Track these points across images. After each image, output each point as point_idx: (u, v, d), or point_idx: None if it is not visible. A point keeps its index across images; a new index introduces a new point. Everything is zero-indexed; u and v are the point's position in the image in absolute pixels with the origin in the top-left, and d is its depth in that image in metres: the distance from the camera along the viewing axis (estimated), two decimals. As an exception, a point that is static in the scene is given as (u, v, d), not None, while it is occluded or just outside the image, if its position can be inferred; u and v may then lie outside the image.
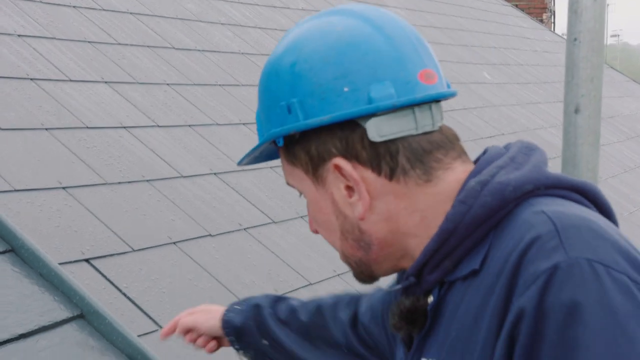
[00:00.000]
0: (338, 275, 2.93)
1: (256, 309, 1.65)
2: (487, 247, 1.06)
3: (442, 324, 1.10)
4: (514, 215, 1.07)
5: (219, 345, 1.70)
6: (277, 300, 1.66)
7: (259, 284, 2.76)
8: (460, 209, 1.07)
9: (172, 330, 1.74)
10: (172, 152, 3.22)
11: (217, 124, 3.65)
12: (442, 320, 1.10)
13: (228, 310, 1.69)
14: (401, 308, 1.13)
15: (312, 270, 2.96)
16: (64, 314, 2.08)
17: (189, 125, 3.50)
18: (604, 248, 1.00)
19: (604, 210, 1.11)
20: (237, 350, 1.69)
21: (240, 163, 1.26)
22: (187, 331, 1.72)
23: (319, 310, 1.62)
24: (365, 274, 1.18)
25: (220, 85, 4.03)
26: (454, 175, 1.11)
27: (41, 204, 2.52)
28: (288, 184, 1.20)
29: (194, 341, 1.71)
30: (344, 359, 1.59)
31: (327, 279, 2.92)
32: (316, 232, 1.21)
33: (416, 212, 1.11)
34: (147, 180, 2.96)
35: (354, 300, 1.57)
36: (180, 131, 3.42)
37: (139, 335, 2.14)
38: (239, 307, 1.69)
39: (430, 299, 1.12)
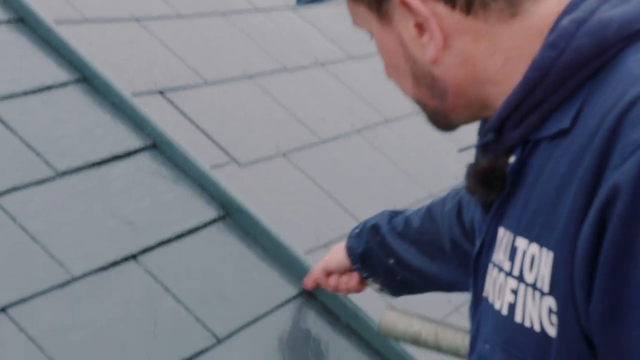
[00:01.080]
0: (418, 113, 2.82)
1: (374, 230, 1.62)
2: (580, 101, 0.90)
3: (523, 191, 0.96)
4: (617, 64, 0.88)
5: (363, 282, 1.74)
6: (393, 215, 1.62)
7: (336, 119, 2.69)
8: (549, 54, 0.90)
9: (314, 285, 1.85)
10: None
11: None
12: (523, 186, 0.96)
13: (349, 238, 1.69)
14: (477, 168, 1.00)
15: (391, 107, 2.86)
16: (137, 143, 2.06)
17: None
18: None
19: None
20: (366, 278, 1.70)
21: (299, 3, 1.11)
22: (326, 279, 1.78)
23: (429, 211, 1.57)
24: (442, 123, 1.06)
25: None
26: (546, 8, 0.93)
27: (112, 35, 2.46)
28: (355, 24, 1.05)
29: (337, 287, 1.77)
30: (457, 271, 1.54)
31: (406, 115, 2.83)
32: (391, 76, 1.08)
33: (498, 54, 0.94)
34: (221, 13, 2.87)
35: (461, 189, 1.48)
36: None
37: (211, 167, 2.12)
38: (357, 231, 1.68)
39: (512, 158, 0.97)
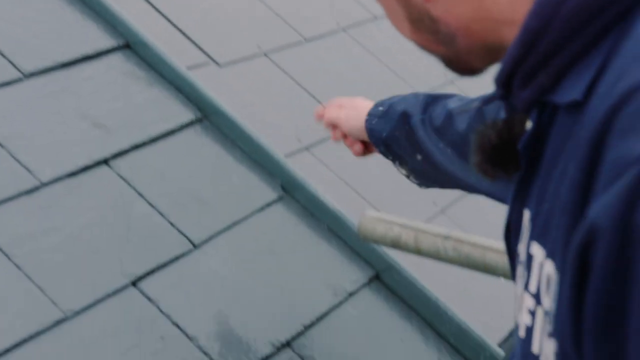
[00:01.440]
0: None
1: (403, 118, 1.34)
2: (601, 59, 0.67)
3: (543, 170, 0.74)
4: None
5: (367, 150, 1.49)
6: (430, 101, 1.32)
7: (320, 17, 2.59)
8: None
9: (319, 119, 1.56)
10: None
11: None
12: (543, 163, 0.74)
13: (371, 115, 1.40)
14: (483, 142, 0.79)
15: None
16: (109, 43, 1.97)
17: None
18: None
19: None
20: (392, 161, 1.42)
21: None
22: (334, 126, 1.51)
23: (480, 111, 1.25)
24: (462, 69, 0.84)
25: None
26: None
27: None
28: None
29: (339, 139, 1.51)
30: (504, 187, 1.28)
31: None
32: None
33: None
34: None
35: None
36: None
37: (188, 67, 2.03)
38: (382, 109, 1.39)
39: (528, 124, 0.76)
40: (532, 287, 0.74)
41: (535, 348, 0.75)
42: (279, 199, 1.91)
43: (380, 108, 1.41)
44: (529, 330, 0.76)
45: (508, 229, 0.83)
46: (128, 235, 1.65)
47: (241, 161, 1.93)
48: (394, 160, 1.43)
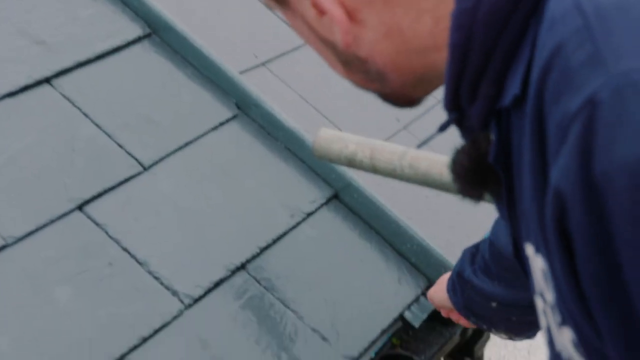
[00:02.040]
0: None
1: (460, 280, 1.40)
2: (527, 54, 0.68)
3: (514, 171, 0.74)
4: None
5: None
6: (475, 251, 1.38)
7: None
8: (465, 5, 0.69)
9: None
10: None
11: None
12: (513, 165, 0.73)
13: (449, 291, 1.45)
14: (458, 169, 0.79)
15: None
16: None
17: None
18: None
19: None
20: (489, 330, 1.45)
21: None
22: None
23: (490, 239, 1.33)
24: (400, 102, 0.85)
25: None
26: None
27: None
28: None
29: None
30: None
31: None
32: None
33: (424, 16, 0.74)
34: None
35: None
36: None
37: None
38: (451, 282, 1.45)
39: (492, 137, 0.75)
40: (537, 287, 0.74)
41: (558, 346, 0.74)
42: (233, 117, 1.84)
43: (451, 282, 1.45)
44: (549, 331, 0.75)
45: (516, 248, 0.83)
46: (73, 157, 1.58)
47: (193, 78, 1.85)
48: (489, 328, 1.45)
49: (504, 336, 1.45)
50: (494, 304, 1.35)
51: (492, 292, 1.34)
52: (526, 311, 1.34)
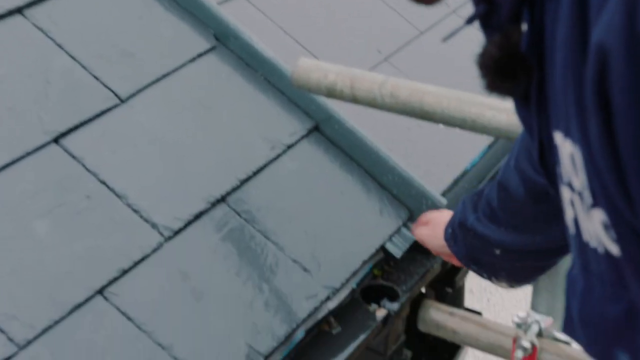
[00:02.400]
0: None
1: (463, 227, 1.37)
2: None
3: (547, 58, 0.72)
4: None
5: None
6: (476, 200, 1.36)
7: None
8: None
9: None
10: None
11: None
12: (546, 52, 0.72)
13: (448, 240, 1.43)
14: (487, 59, 0.77)
15: None
16: None
17: None
18: None
19: None
20: (489, 278, 1.43)
21: None
22: None
23: (500, 183, 1.30)
24: None
25: None
26: None
27: None
28: None
29: None
30: (545, 225, 1.26)
31: None
32: None
33: None
34: None
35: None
36: None
37: None
38: (450, 231, 1.43)
39: (524, 27, 0.74)
40: (565, 177, 0.74)
41: (586, 236, 0.74)
42: (212, 49, 1.81)
43: (450, 230, 1.43)
44: (576, 222, 0.75)
45: (541, 152, 0.82)
46: (47, 90, 1.55)
47: (170, 10, 1.81)
48: (489, 277, 1.43)
49: (504, 285, 1.44)
50: (497, 251, 1.34)
51: (497, 238, 1.33)
52: (531, 256, 1.34)
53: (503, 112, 1.38)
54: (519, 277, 1.40)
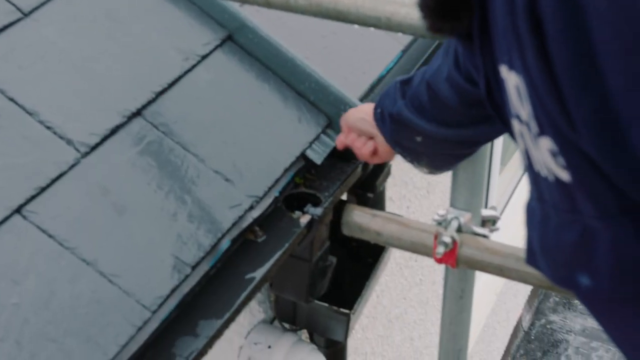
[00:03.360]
0: None
1: (391, 110, 1.40)
2: None
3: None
4: None
5: (376, 155, 1.53)
6: (405, 84, 1.38)
7: None
8: None
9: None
10: None
11: None
12: None
13: (377, 120, 1.46)
14: (428, 1, 0.76)
15: None
16: None
17: None
18: None
19: None
20: (411, 162, 1.47)
21: None
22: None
23: (429, 86, 1.33)
24: None
25: None
26: None
27: None
28: None
29: (352, 146, 1.55)
30: (475, 123, 1.29)
31: None
32: None
33: None
34: None
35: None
36: None
37: None
38: (379, 111, 1.45)
39: None
40: (513, 109, 0.75)
41: (536, 166, 0.76)
42: (116, -40, 1.74)
43: (379, 110, 1.46)
44: (527, 153, 0.77)
45: (488, 89, 0.83)
46: (-56, 6, 1.47)
47: None
48: (411, 161, 1.47)
49: (425, 170, 1.49)
50: (419, 138, 1.38)
51: (421, 125, 1.36)
52: (452, 146, 1.39)
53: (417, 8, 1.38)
54: (439, 163, 1.45)
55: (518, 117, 0.75)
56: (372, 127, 1.49)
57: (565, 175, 0.73)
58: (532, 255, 0.84)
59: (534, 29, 0.63)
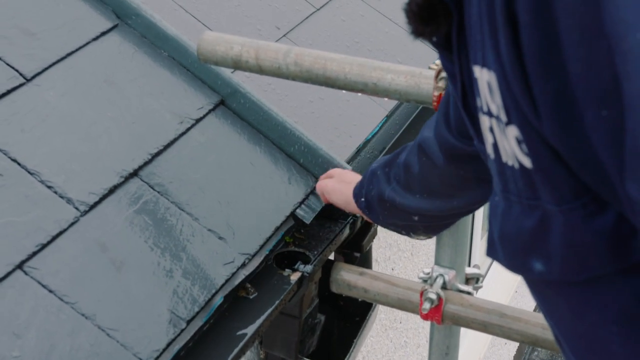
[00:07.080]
0: None
1: (380, 201, 1.47)
2: None
3: (466, 3, 0.81)
4: None
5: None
6: (388, 170, 1.46)
7: None
8: None
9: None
10: None
11: None
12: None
13: (362, 209, 1.54)
14: (412, 4, 0.84)
15: None
16: None
17: None
18: None
19: None
20: (409, 235, 1.54)
21: None
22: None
23: (420, 147, 1.38)
24: None
25: None
26: None
27: None
28: None
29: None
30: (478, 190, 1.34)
31: None
32: None
33: None
34: None
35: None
36: None
37: None
38: (364, 203, 1.53)
39: None
40: (485, 106, 0.81)
41: (504, 156, 0.81)
42: (114, 27, 1.82)
43: (363, 200, 1.53)
44: (495, 147, 0.82)
45: (464, 96, 0.90)
46: (-49, 71, 1.54)
47: (70, -11, 1.82)
48: (407, 234, 1.54)
49: (422, 237, 1.57)
50: (416, 218, 1.45)
51: (415, 206, 1.43)
52: (446, 218, 1.47)
53: (402, 74, 1.46)
54: (435, 230, 1.53)
55: (489, 112, 0.81)
56: (350, 205, 1.59)
57: (527, 162, 0.78)
58: (492, 246, 0.87)
59: (509, 22, 0.70)
